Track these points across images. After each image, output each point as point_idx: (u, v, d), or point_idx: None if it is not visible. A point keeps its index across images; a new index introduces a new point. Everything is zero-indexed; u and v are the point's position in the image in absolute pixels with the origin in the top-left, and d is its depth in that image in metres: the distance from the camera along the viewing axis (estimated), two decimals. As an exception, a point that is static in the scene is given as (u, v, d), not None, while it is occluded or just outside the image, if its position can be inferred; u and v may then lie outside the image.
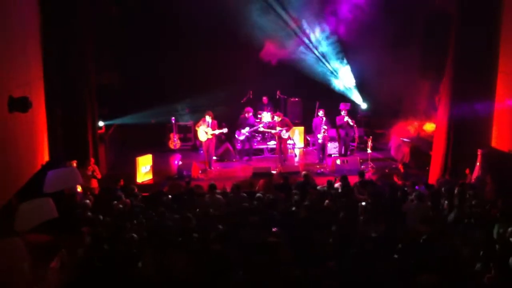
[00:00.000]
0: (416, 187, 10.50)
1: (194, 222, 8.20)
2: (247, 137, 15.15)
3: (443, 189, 9.90)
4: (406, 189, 10.25)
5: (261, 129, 15.29)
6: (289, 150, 15.43)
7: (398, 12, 15.77)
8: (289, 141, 15.20)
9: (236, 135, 15.23)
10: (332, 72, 17.04)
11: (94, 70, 12.89)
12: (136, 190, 10.57)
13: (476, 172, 11.21)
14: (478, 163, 11.24)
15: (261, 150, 16.01)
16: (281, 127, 14.67)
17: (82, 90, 12.22)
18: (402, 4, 15.57)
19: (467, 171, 11.38)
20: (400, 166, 13.18)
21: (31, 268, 6.37)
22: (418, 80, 16.39)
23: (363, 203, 9.32)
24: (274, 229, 7.77)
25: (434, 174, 12.45)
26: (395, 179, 12.20)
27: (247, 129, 15.02)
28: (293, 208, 9.05)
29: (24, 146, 9.52)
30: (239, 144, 15.49)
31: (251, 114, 15.28)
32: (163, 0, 15.58)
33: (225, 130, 14.38)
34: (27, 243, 6.45)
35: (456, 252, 7.14)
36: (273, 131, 14.87)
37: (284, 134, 14.73)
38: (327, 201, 9.46)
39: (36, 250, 6.82)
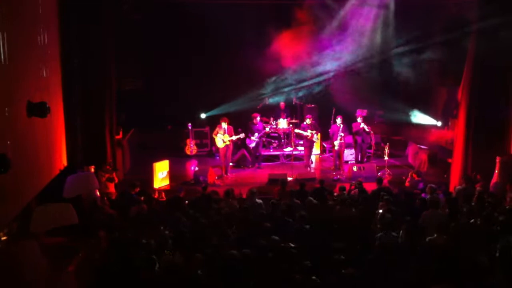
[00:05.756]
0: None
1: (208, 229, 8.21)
2: (257, 143, 15.06)
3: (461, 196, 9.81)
4: (424, 196, 10.15)
5: (297, 131, 14.83)
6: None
7: (418, 18, 15.71)
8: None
9: (247, 143, 15.14)
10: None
11: (115, 75, 12.87)
12: (153, 195, 10.62)
13: (495, 179, 11.09)
14: (496, 170, 11.13)
15: (277, 157, 15.98)
16: (311, 130, 14.62)
17: (102, 95, 12.19)
18: (422, 9, 15.51)
19: (478, 176, 11.25)
20: (414, 175, 13.03)
21: (48, 270, 6.42)
22: (436, 87, 16.28)
23: (380, 211, 9.26)
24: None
25: (453, 181, 12.32)
26: (407, 184, 12.15)
27: (256, 135, 14.94)
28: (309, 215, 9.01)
29: (42, 151, 9.57)
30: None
31: (258, 119, 15.10)
32: (187, 6, 15.50)
33: (242, 136, 14.36)
34: (44, 245, 6.51)
35: (474, 261, 7.04)
36: (305, 133, 14.60)
37: (315, 138, 14.66)
38: (338, 207, 9.43)
39: (54, 253, 6.88)
